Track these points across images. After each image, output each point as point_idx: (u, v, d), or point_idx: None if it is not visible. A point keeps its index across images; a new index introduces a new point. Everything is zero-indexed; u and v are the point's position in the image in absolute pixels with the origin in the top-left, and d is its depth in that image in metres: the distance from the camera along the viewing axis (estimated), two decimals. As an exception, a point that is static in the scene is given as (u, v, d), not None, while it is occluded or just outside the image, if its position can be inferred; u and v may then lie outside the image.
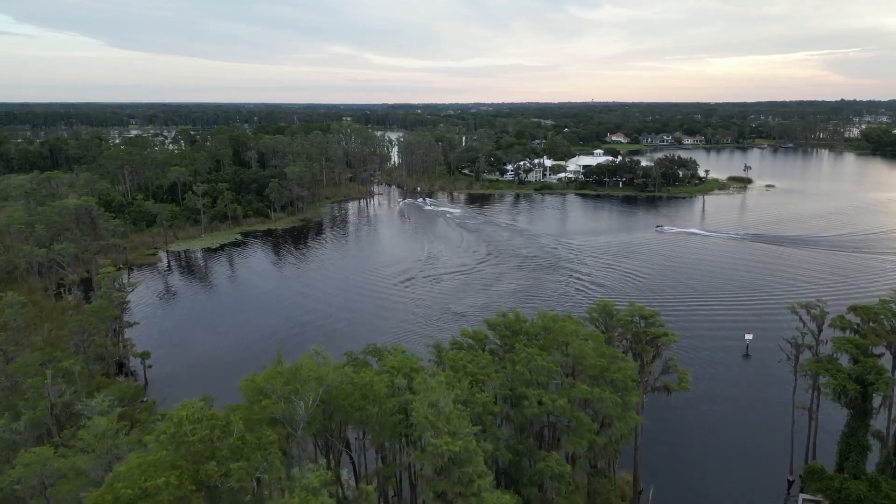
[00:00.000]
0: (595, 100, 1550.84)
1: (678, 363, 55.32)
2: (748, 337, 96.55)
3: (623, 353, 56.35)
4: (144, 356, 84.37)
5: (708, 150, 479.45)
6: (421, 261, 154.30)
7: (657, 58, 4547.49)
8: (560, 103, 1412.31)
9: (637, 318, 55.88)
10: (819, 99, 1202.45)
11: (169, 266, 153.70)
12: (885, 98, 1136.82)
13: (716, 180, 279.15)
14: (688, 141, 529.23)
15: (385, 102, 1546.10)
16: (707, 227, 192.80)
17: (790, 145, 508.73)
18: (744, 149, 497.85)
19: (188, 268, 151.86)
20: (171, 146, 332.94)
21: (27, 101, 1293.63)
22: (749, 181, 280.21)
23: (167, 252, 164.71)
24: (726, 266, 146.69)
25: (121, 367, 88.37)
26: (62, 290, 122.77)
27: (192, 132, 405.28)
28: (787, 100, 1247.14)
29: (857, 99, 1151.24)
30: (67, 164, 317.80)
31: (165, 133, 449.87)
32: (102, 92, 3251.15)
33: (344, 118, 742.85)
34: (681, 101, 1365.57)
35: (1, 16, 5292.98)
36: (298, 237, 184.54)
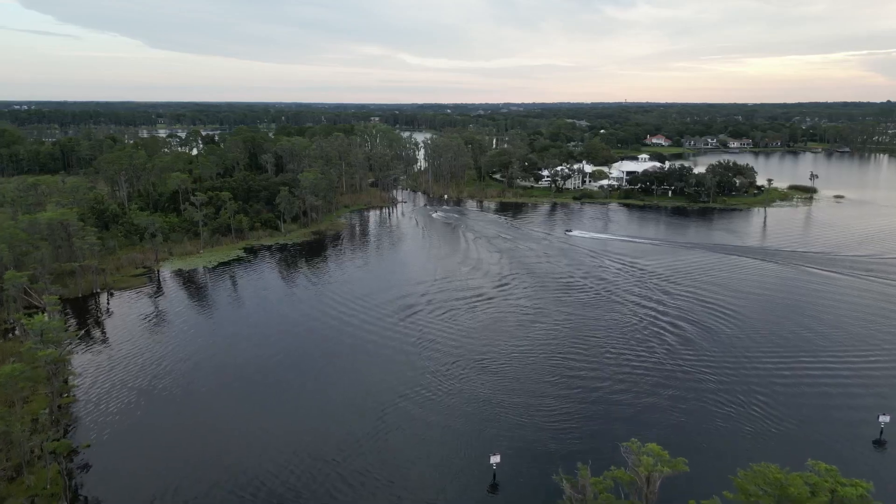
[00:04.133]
0: (628, 100, 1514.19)
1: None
2: (884, 419, 71.47)
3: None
4: (59, 449, 60.38)
5: (756, 154, 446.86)
6: (437, 287, 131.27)
7: (693, 58, 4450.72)
8: (592, 104, 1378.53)
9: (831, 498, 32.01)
10: (863, 100, 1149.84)
11: (158, 288, 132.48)
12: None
13: (776, 190, 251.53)
14: (734, 144, 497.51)
15: (415, 102, 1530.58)
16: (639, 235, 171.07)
17: (847, 150, 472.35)
18: (795, 153, 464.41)
19: (173, 294, 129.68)
20: (182, 148, 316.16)
21: (66, 100, 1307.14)
22: (814, 191, 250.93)
23: (157, 272, 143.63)
24: (834, 305, 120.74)
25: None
26: (14, 327, 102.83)
27: (203, 132, 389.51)
28: (829, 101, 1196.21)
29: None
30: (79, 165, 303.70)
31: (181, 133, 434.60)
32: (141, 91, 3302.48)
33: (372, 118, 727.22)
34: (717, 101, 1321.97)
35: (44, 16, 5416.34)
36: (307, 254, 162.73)
